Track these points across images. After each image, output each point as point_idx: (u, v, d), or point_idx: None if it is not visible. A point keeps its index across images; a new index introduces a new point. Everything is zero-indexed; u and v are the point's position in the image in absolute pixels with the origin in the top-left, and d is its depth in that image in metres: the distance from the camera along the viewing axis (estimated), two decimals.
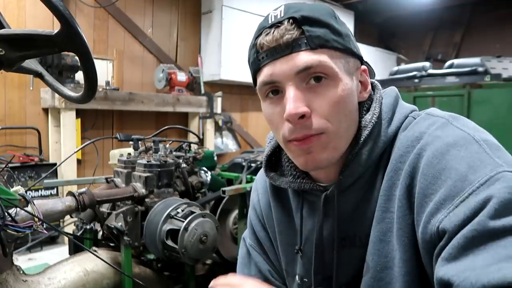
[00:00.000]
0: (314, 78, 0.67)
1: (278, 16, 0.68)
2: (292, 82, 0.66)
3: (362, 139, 0.70)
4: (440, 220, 0.56)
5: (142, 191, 1.79)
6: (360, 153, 0.70)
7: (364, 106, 0.74)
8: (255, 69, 0.72)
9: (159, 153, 1.93)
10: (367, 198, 0.72)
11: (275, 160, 0.85)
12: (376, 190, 0.71)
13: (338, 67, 0.67)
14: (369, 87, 0.76)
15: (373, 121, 0.71)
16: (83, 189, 1.65)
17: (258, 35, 0.70)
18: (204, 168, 2.27)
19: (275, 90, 0.70)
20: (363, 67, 0.75)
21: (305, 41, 0.66)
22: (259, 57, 0.69)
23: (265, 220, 0.91)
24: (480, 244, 0.51)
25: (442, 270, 0.54)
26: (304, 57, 0.66)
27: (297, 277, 0.83)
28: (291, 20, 0.66)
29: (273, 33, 0.67)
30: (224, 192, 1.98)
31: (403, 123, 0.72)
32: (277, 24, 0.67)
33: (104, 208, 1.82)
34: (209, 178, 2.24)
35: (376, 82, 0.79)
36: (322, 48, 0.66)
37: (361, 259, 0.72)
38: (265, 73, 0.69)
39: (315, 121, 0.66)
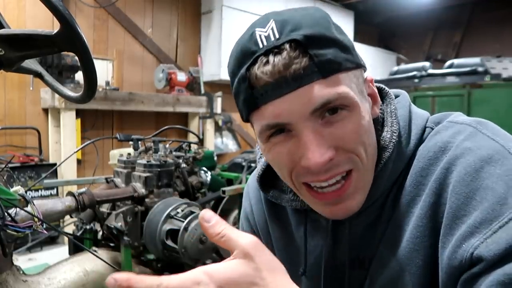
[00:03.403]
0: (329, 109, 0.55)
1: (272, 38, 0.54)
2: (307, 122, 0.54)
3: (382, 162, 0.61)
4: (475, 246, 0.51)
5: (142, 191, 1.79)
6: (379, 177, 0.62)
7: (378, 121, 0.65)
8: (251, 108, 0.57)
9: (159, 153, 1.93)
10: (378, 219, 0.65)
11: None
12: (387, 210, 0.64)
13: (354, 91, 0.56)
14: (379, 99, 0.66)
15: (393, 140, 0.62)
16: (83, 189, 1.65)
17: (249, 63, 0.54)
18: (204, 168, 2.27)
19: (281, 129, 0.57)
20: (369, 77, 0.64)
21: (316, 69, 0.53)
22: (256, 94, 0.55)
23: (260, 233, 0.83)
24: None
25: None
26: (319, 92, 0.53)
27: None
28: (293, 44, 0.53)
29: (273, 62, 0.52)
30: (224, 192, 1.98)
31: (421, 137, 0.64)
32: (274, 50, 0.53)
33: (104, 208, 1.82)
34: (209, 178, 2.24)
35: (386, 88, 0.69)
36: (335, 73, 0.54)
37: (365, 279, 0.67)
38: (268, 114, 0.55)
39: (342, 158, 0.56)
